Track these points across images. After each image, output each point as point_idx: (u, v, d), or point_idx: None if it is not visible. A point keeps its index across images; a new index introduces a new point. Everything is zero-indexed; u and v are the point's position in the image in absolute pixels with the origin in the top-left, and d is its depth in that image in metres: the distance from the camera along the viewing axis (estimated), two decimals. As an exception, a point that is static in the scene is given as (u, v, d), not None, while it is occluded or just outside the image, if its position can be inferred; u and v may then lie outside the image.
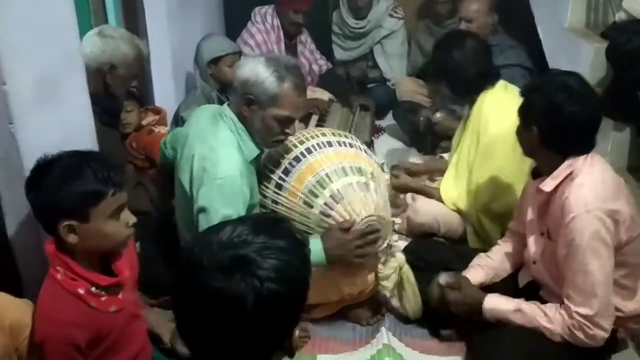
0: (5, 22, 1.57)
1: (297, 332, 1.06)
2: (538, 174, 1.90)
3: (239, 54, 3.06)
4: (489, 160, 2.39)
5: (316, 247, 1.96)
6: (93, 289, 1.49)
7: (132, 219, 1.54)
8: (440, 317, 2.11)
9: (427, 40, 4.04)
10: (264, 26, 3.74)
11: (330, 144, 2.18)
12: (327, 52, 4.20)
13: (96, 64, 2.35)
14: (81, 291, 1.47)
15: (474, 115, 2.48)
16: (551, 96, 1.73)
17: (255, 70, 1.93)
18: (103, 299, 1.50)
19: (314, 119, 3.54)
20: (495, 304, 1.88)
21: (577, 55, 2.65)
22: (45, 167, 1.47)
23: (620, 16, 2.37)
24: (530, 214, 1.95)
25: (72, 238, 1.45)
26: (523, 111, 1.83)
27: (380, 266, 2.13)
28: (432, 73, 2.59)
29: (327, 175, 2.07)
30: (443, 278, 2.01)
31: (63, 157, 1.49)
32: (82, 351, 1.47)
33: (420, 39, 4.15)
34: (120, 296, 1.56)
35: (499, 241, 2.20)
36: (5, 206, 1.72)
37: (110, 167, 1.48)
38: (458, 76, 2.43)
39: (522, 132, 1.84)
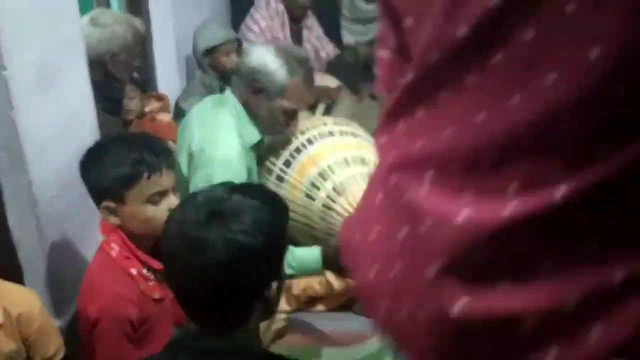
0: (5, 7, 1.54)
1: (274, 286, 1.15)
2: None
3: (237, 41, 3.02)
4: None
5: (317, 258, 1.88)
6: (144, 270, 1.50)
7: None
8: None
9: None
10: (267, 12, 3.68)
11: (331, 133, 2.15)
12: (336, 38, 4.14)
13: (95, 54, 2.26)
14: (134, 271, 1.49)
15: None
16: None
17: (265, 59, 1.91)
18: (150, 283, 1.50)
19: (322, 106, 3.50)
20: None
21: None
22: (97, 147, 1.53)
23: None
24: None
25: (112, 219, 1.48)
26: None
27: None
28: None
29: (328, 166, 2.04)
30: None
31: (113, 139, 1.57)
32: (135, 329, 1.47)
33: None
34: (163, 285, 1.54)
35: None
36: (6, 193, 1.69)
37: (149, 149, 1.48)
38: None
39: None
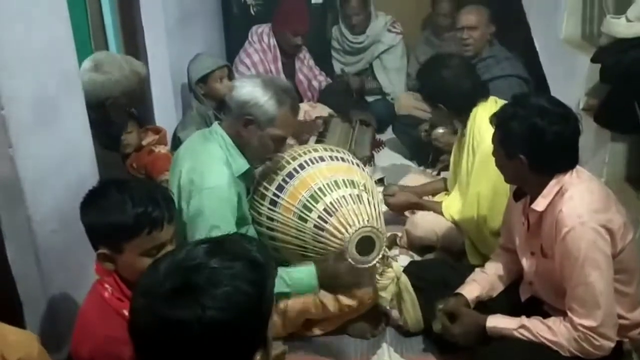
0: (3, 47, 1.59)
1: (258, 356, 1.03)
2: (519, 195, 1.90)
3: (226, 67, 3.11)
4: (486, 174, 2.37)
5: (310, 276, 1.96)
6: None
7: None
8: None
9: (424, 52, 4.08)
10: (260, 45, 3.77)
11: (322, 159, 2.21)
12: (326, 67, 4.22)
13: (96, 99, 2.31)
14: (126, 312, 1.45)
15: (468, 131, 2.49)
16: (532, 121, 1.73)
17: (254, 93, 2.01)
18: None
19: (312, 139, 3.55)
20: (498, 324, 1.87)
21: (573, 66, 2.66)
22: (99, 191, 1.52)
23: (603, 40, 2.41)
24: (518, 238, 1.96)
25: (108, 265, 1.49)
26: (504, 142, 1.81)
27: (377, 277, 2.14)
28: (426, 98, 2.60)
29: (320, 189, 2.09)
30: (440, 309, 1.99)
31: (116, 184, 1.51)
32: None
33: (418, 51, 4.19)
34: None
35: (492, 256, 2.19)
36: (5, 229, 1.73)
37: (153, 203, 1.46)
38: (453, 94, 2.45)
39: (506, 163, 1.83)
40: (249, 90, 2.01)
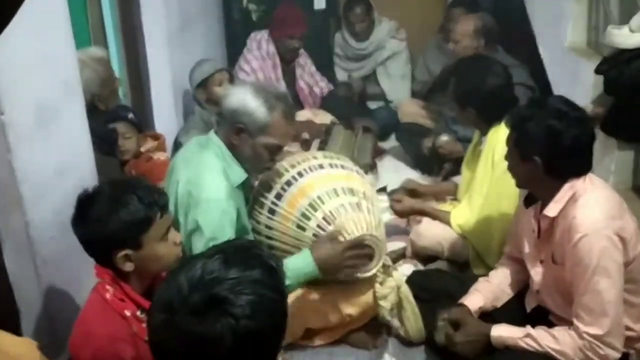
0: (3, 52, 1.58)
1: (280, 359, 1.05)
2: (530, 201, 1.88)
3: (226, 71, 3.13)
4: (506, 191, 2.25)
5: (306, 259, 1.93)
6: (138, 312, 1.52)
7: (179, 237, 1.62)
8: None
9: (434, 57, 4.06)
10: (259, 52, 3.75)
11: (321, 166, 2.19)
12: (329, 74, 4.20)
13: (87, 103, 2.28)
14: (127, 313, 1.51)
15: (489, 142, 2.42)
16: (549, 123, 1.71)
17: (244, 100, 1.95)
18: (144, 325, 1.48)
19: (316, 142, 3.53)
20: (503, 333, 1.84)
21: (578, 74, 2.64)
22: (89, 201, 1.52)
23: (607, 51, 2.40)
24: (526, 246, 1.93)
25: (128, 266, 1.51)
26: (519, 143, 1.79)
27: (377, 286, 2.10)
28: (458, 99, 2.47)
29: (318, 197, 2.07)
30: (444, 319, 1.96)
31: (104, 189, 1.54)
32: None
33: (427, 56, 4.14)
34: None
35: (496, 265, 2.16)
36: (3, 234, 1.71)
37: (154, 190, 1.54)
38: (492, 103, 2.35)
39: (520, 165, 1.80)
40: (239, 97, 1.96)
